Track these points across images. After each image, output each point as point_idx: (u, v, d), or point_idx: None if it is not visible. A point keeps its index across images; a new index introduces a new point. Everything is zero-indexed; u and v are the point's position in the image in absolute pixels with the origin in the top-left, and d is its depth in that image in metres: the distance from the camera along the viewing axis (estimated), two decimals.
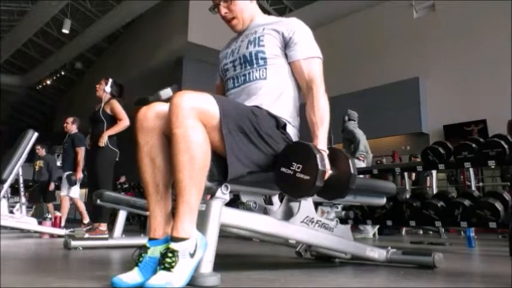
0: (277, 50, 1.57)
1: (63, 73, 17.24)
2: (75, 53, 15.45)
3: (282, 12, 11.88)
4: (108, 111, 3.92)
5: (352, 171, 1.39)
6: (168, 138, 1.30)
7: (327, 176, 1.34)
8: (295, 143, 1.48)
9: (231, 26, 1.66)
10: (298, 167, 1.32)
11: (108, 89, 4.01)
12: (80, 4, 13.06)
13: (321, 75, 1.56)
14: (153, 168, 1.30)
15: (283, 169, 1.35)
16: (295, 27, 1.58)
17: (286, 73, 1.58)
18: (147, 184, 1.31)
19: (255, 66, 1.56)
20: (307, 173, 1.30)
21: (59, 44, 15.22)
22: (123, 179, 9.80)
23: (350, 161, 1.41)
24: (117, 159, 3.90)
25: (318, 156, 1.30)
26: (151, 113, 1.32)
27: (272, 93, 1.54)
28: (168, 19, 12.09)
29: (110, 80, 4.09)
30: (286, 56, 1.58)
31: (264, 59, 1.55)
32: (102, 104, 3.95)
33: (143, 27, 13.39)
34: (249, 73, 1.57)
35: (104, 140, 3.76)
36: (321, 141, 1.44)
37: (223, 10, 1.61)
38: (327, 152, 1.41)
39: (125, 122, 3.88)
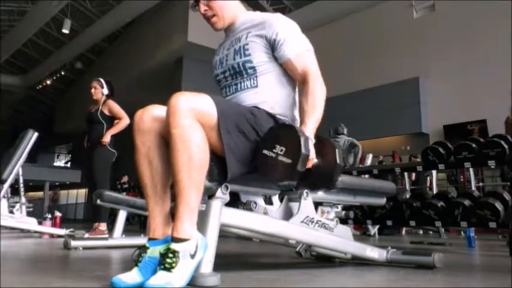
0: (264, 55, 1.52)
1: (63, 73, 17.26)
2: (75, 53, 15.48)
3: (281, 12, 11.86)
4: (106, 112, 3.93)
5: (338, 161, 1.34)
6: (165, 139, 1.30)
7: (311, 163, 1.30)
8: (280, 124, 1.41)
9: (211, 24, 1.62)
10: (281, 150, 1.26)
11: (105, 91, 4.03)
12: (80, 4, 13.07)
13: (315, 65, 1.51)
14: (151, 169, 1.30)
15: (265, 151, 1.30)
16: (277, 27, 1.51)
17: (279, 76, 1.55)
18: (146, 185, 1.31)
19: (245, 76, 1.54)
20: (290, 156, 1.25)
21: (59, 44, 15.23)
22: (125, 178, 9.77)
23: (337, 151, 1.36)
24: (114, 159, 3.91)
25: (302, 139, 1.25)
26: (148, 116, 1.32)
27: (265, 100, 1.50)
28: (168, 19, 12.09)
29: (103, 81, 4.09)
30: (275, 58, 1.53)
31: (253, 67, 1.52)
32: (100, 106, 3.96)
33: (143, 27, 13.38)
34: (240, 83, 1.55)
35: (107, 140, 3.80)
36: (309, 129, 1.37)
37: (203, 8, 1.57)
38: (314, 140, 1.35)
39: (125, 120, 3.91)
